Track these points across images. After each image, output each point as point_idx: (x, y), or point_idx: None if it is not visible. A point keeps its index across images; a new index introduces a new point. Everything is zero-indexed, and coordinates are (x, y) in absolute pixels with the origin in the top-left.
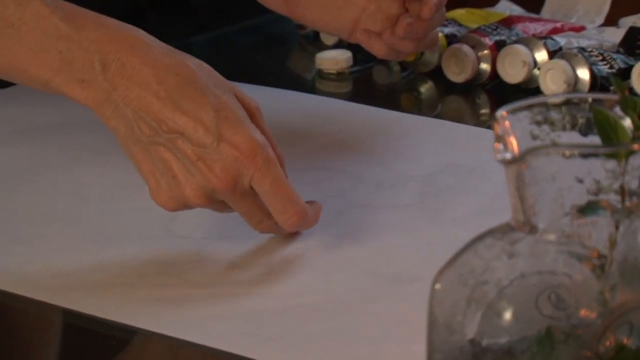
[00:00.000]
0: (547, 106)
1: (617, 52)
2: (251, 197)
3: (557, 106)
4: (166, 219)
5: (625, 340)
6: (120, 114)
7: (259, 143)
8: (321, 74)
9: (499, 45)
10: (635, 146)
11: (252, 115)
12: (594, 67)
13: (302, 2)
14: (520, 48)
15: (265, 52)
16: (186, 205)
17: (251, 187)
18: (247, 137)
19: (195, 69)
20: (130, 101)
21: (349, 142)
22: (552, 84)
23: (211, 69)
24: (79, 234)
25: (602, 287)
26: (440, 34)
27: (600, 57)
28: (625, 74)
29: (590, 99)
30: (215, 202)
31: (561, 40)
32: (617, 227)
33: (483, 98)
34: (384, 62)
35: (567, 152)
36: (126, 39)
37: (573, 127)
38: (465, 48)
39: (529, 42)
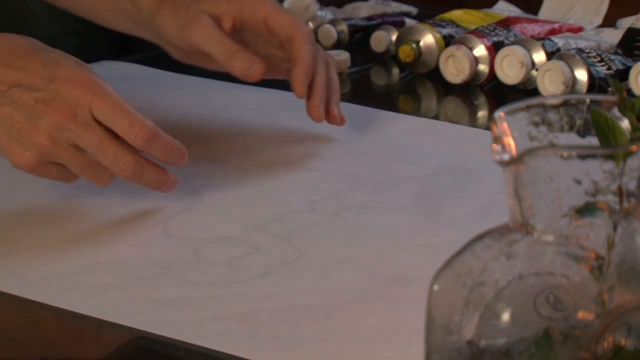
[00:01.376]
0: (545, 107)
1: (615, 53)
2: (98, 128)
3: (555, 107)
4: (163, 220)
5: (623, 341)
6: None
7: (90, 75)
8: None
9: (497, 47)
10: (633, 147)
11: (82, 66)
12: (591, 68)
13: (202, 61)
14: (518, 49)
15: None
16: (41, 155)
17: (96, 120)
18: (78, 72)
19: (24, 38)
20: None
21: (346, 143)
22: (550, 85)
23: (37, 40)
24: (76, 235)
25: (600, 288)
26: (438, 35)
27: (598, 58)
28: (623, 75)
29: (588, 100)
30: (64, 146)
31: (559, 41)
32: (615, 228)
33: (481, 99)
34: (382, 63)
35: (565, 153)
36: None
37: (571, 128)
38: (463, 49)
39: (527, 43)
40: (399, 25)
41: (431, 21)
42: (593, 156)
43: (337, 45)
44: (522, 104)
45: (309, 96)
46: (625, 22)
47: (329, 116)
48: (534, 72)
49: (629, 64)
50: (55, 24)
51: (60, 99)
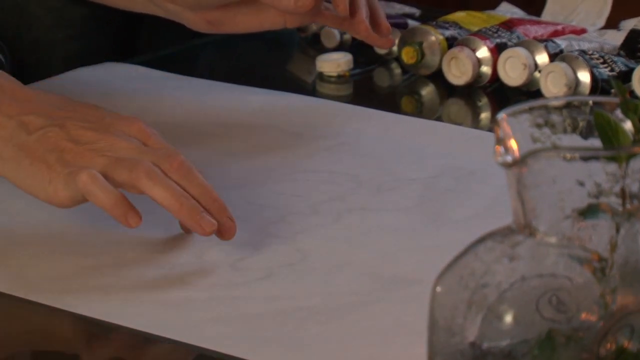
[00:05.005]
0: (547, 109)
1: (618, 54)
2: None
3: (558, 109)
4: (166, 222)
5: (625, 343)
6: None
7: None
8: (322, 77)
9: (500, 48)
10: (636, 149)
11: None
12: (594, 70)
13: (227, 19)
14: (521, 51)
15: (265, 55)
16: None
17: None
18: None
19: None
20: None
21: (349, 145)
22: (552, 86)
23: None
24: (79, 237)
25: (603, 290)
26: (441, 37)
27: (601, 60)
28: (626, 76)
29: (591, 102)
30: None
31: (562, 43)
32: (617, 230)
33: (484, 101)
34: (385, 65)
35: (568, 155)
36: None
37: (574, 130)
38: (466, 51)
39: (530, 44)
40: (402, 26)
41: (434, 23)
42: (596, 158)
43: (340, 47)
44: (525, 105)
45: (352, 14)
46: (628, 24)
47: (379, 27)
48: (536, 74)
49: (631, 65)
50: (58, 28)
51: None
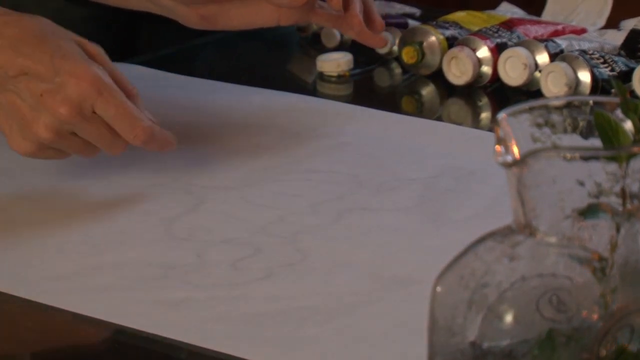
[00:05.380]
0: (548, 109)
1: (618, 54)
2: (98, 121)
3: (558, 109)
4: (167, 222)
5: (626, 343)
6: None
7: (96, 72)
8: (322, 77)
9: (500, 48)
10: (636, 149)
11: (93, 56)
12: (595, 70)
13: (220, 15)
14: (521, 51)
15: (266, 55)
16: (40, 145)
17: (94, 112)
18: (84, 68)
19: (34, 22)
20: None
21: (349, 145)
22: (553, 86)
23: (50, 22)
24: (80, 237)
25: (603, 290)
26: (441, 37)
27: (602, 60)
28: (626, 76)
29: (591, 102)
30: (65, 135)
31: (562, 42)
32: (618, 230)
33: (484, 101)
34: (385, 65)
35: (568, 155)
36: None
37: (574, 129)
38: (466, 51)
39: (530, 44)
40: (402, 26)
41: (434, 23)
42: (596, 158)
43: (340, 46)
44: (525, 105)
45: (346, 8)
46: (629, 24)
47: (372, 24)
48: (537, 74)
49: (632, 65)
50: None
51: (65, 94)
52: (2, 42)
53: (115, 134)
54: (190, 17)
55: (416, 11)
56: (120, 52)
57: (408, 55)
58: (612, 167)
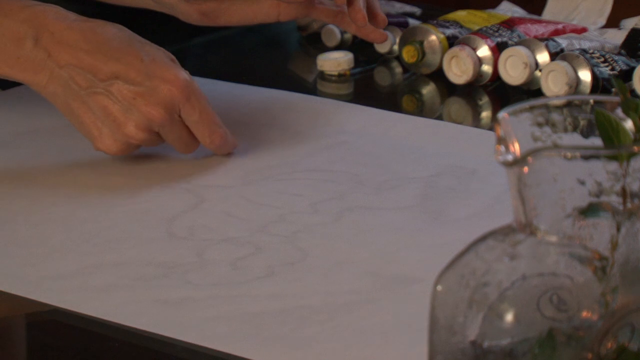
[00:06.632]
0: (548, 108)
1: (619, 53)
2: (181, 125)
3: (559, 108)
4: (167, 221)
5: (626, 342)
6: (56, 77)
7: (185, 77)
8: (322, 76)
9: (501, 47)
10: (637, 148)
11: (172, 60)
12: (595, 69)
13: (220, 11)
14: (522, 50)
15: (266, 54)
16: (129, 145)
17: (179, 116)
18: (175, 73)
19: (117, 27)
20: (64, 62)
21: (350, 144)
22: (553, 85)
23: (129, 30)
24: (80, 236)
25: (604, 289)
26: (442, 36)
27: (602, 59)
28: (626, 75)
29: (591, 101)
30: (153, 134)
31: (563, 42)
32: (618, 229)
33: (484, 100)
34: (385, 64)
35: (569, 154)
36: (49, 13)
37: (574, 128)
38: (467, 50)
39: (531, 43)
40: (403, 25)
41: (435, 22)
42: (597, 157)
43: (341, 45)
44: (526, 104)
45: (349, 3)
46: (629, 23)
47: (375, 19)
48: (537, 73)
49: (632, 64)
50: None
51: (158, 97)
52: (90, 47)
53: (192, 137)
54: (190, 13)
55: (416, 10)
56: None
57: (408, 54)
58: (613, 166)
